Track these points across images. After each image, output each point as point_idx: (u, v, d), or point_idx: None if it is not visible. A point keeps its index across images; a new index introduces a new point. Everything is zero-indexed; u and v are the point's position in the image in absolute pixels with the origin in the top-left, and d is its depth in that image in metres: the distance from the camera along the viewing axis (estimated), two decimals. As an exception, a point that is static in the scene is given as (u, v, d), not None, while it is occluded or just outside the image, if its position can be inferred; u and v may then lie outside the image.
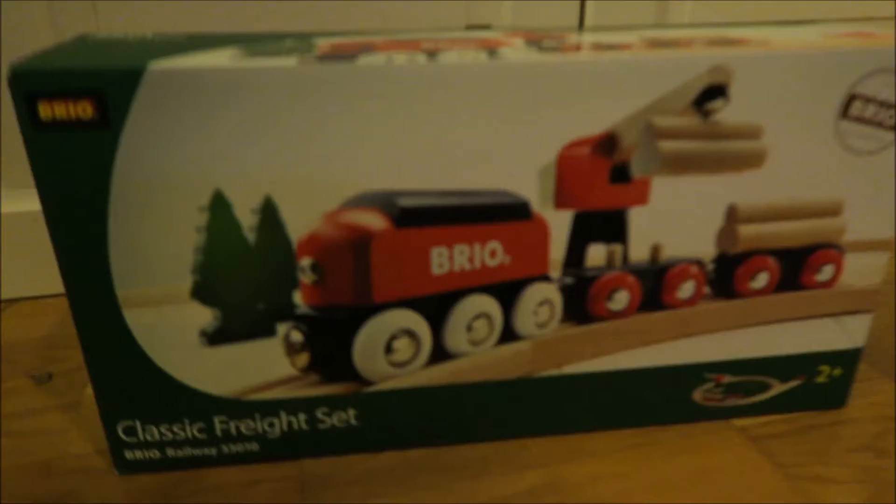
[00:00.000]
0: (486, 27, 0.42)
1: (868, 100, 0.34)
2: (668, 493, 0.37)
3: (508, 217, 0.34)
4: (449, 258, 0.35)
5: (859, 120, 0.35)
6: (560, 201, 0.35)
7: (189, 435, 0.37)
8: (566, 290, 0.36)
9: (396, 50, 0.33)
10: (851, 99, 0.34)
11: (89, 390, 0.45)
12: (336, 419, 0.37)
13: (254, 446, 0.37)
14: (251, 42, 0.35)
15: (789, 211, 0.37)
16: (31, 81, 0.29)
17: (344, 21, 0.57)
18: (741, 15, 0.66)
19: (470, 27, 0.41)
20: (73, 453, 0.40)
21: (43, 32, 0.52)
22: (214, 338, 0.34)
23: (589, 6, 0.61)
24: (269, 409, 0.36)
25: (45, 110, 0.30)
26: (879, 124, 0.35)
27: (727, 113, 0.34)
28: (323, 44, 0.35)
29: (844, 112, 0.34)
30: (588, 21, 0.62)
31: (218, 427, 0.37)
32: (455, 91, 0.31)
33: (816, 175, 0.36)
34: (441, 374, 0.37)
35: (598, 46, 0.34)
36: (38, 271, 0.58)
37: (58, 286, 0.59)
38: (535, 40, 0.36)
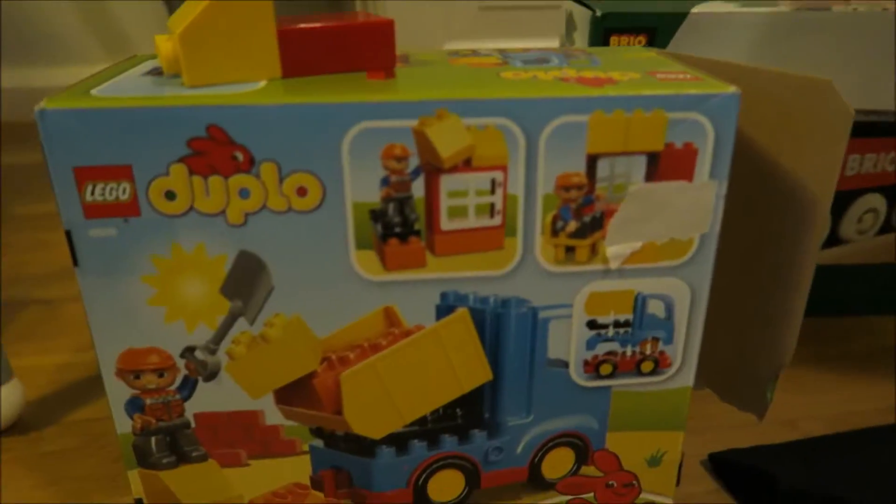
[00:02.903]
0: None
1: None
2: None
3: (912, 132, 0.45)
4: (860, 163, 0.46)
5: None
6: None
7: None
8: (940, 193, 0.47)
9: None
10: None
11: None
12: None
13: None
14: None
15: None
16: (609, 22, 0.41)
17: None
18: None
19: None
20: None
21: None
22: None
23: None
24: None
25: (614, 42, 0.42)
26: None
27: None
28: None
29: None
30: None
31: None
32: None
33: None
34: (830, 256, 0.49)
35: None
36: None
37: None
38: None
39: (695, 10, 0.41)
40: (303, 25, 0.24)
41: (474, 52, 0.29)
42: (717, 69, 0.30)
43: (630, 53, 0.30)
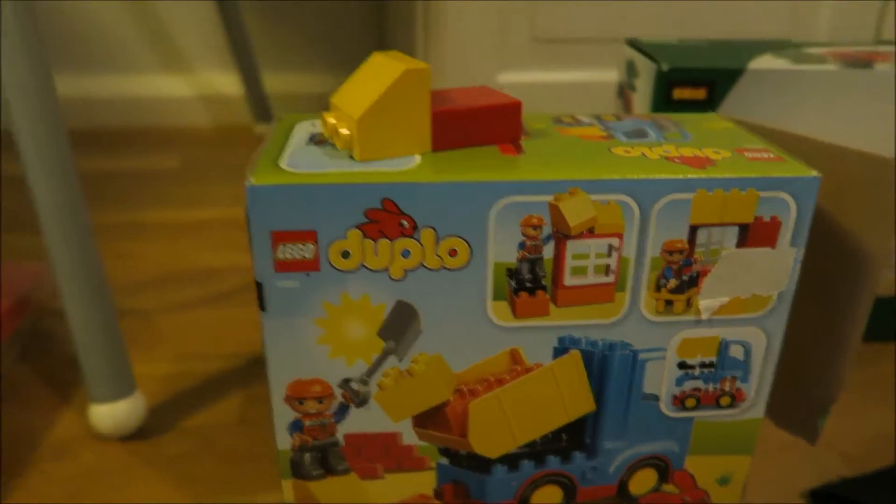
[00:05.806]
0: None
1: None
2: None
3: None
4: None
5: None
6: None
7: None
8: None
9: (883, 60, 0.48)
10: None
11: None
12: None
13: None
14: (777, 49, 0.50)
15: None
16: (673, 76, 0.45)
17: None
18: None
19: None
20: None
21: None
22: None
23: None
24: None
25: (677, 93, 0.46)
26: None
27: None
28: (823, 52, 0.50)
29: None
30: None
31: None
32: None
33: None
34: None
35: None
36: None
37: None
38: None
39: (751, 66, 0.45)
40: (451, 107, 0.28)
41: (576, 121, 0.33)
42: (784, 141, 0.34)
43: (710, 123, 0.34)
